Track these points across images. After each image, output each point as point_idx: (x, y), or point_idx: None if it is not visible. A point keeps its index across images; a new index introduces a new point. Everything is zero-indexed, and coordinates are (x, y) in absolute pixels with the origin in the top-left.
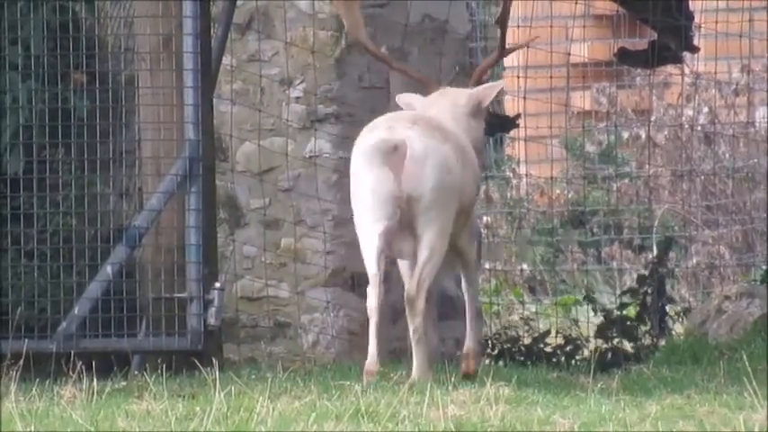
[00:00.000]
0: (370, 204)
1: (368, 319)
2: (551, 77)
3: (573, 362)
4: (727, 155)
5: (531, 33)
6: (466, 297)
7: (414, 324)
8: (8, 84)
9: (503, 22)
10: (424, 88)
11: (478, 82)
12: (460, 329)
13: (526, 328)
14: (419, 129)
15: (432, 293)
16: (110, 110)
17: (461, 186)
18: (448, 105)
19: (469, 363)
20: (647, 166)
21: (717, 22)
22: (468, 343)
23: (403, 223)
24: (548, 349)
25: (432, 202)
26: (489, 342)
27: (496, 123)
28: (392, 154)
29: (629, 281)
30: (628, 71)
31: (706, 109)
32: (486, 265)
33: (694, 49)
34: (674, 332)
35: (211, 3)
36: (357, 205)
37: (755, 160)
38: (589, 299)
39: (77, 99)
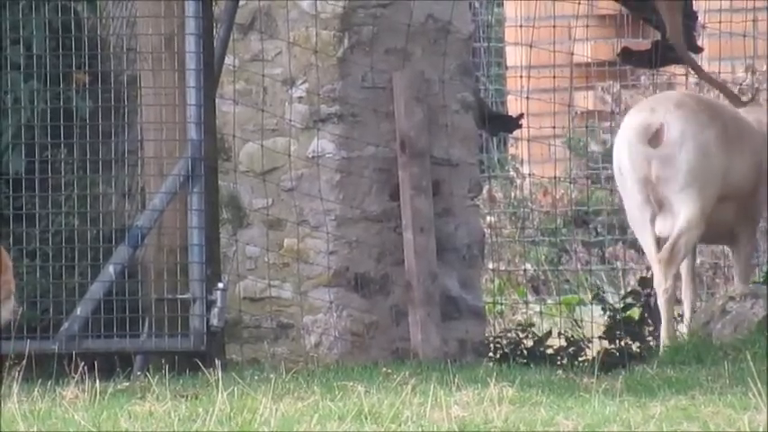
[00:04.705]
0: (631, 186)
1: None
2: (554, 77)
3: (576, 363)
4: None
5: (534, 33)
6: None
7: (664, 286)
8: (10, 83)
9: None
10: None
11: None
12: (463, 330)
13: (525, 334)
14: (682, 112)
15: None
16: (112, 110)
17: (725, 171)
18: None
19: None
20: None
21: (720, 21)
22: None
23: (663, 204)
24: (550, 351)
25: (687, 184)
26: (491, 345)
27: (499, 123)
28: (650, 137)
29: (633, 281)
30: (631, 71)
31: None
32: (490, 265)
33: (698, 50)
34: (677, 333)
35: (214, 2)
36: (621, 188)
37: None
38: (599, 298)
39: (79, 99)
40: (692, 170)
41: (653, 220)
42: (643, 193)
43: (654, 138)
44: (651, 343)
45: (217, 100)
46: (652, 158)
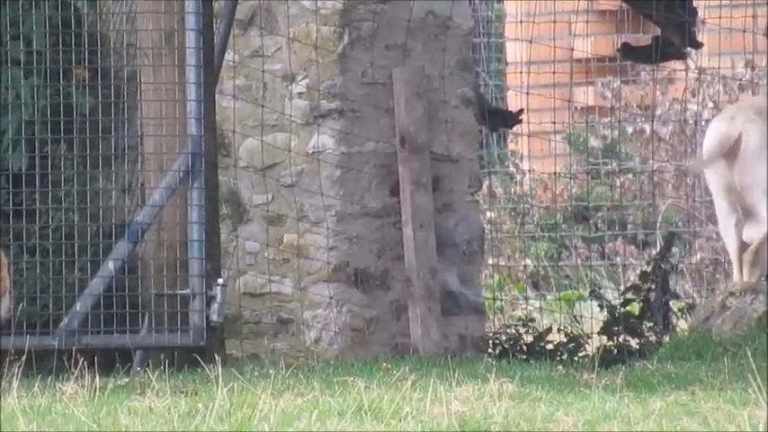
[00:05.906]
0: (717, 194)
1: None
2: (554, 73)
3: (576, 359)
4: None
5: (534, 29)
6: None
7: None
8: (10, 80)
9: None
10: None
11: None
12: (463, 325)
13: (525, 329)
14: (760, 120)
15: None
16: (112, 106)
17: None
18: None
19: None
20: (651, 162)
21: (720, 17)
22: None
23: (747, 211)
24: (550, 347)
25: (766, 191)
26: (490, 341)
27: (499, 119)
28: (729, 147)
29: (633, 276)
30: (631, 66)
31: (710, 104)
32: (490, 261)
33: (697, 45)
34: (677, 328)
35: None
36: (712, 194)
37: None
38: (595, 295)
39: (80, 95)
40: None
41: (737, 225)
42: (728, 200)
43: (733, 147)
44: (650, 338)
45: (217, 96)
46: (733, 167)
